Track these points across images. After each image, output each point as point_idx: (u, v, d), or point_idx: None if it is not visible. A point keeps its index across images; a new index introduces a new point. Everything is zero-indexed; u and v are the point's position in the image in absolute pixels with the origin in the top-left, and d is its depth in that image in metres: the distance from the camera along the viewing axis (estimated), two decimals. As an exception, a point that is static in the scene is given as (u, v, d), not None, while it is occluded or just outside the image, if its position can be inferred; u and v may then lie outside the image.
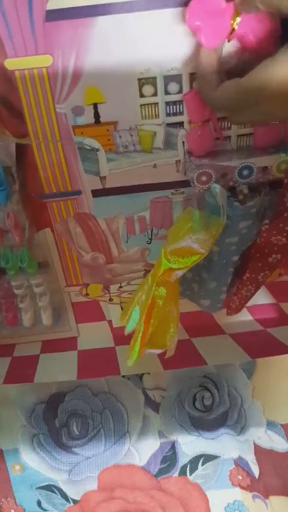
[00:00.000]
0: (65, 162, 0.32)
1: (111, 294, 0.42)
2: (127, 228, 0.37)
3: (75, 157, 0.33)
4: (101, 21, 0.27)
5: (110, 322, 0.44)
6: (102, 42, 0.27)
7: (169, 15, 0.27)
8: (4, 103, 0.29)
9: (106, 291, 0.42)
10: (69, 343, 0.44)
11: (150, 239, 0.38)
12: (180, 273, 0.32)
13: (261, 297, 0.44)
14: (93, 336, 0.43)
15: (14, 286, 0.39)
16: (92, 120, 0.30)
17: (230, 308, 0.41)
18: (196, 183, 0.31)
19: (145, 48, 0.28)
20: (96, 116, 0.30)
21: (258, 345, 0.41)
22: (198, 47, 0.26)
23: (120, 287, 0.42)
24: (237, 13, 0.25)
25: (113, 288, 0.42)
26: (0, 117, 0.29)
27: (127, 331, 0.36)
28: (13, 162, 0.32)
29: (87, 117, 0.30)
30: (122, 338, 0.41)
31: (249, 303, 0.43)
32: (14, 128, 0.30)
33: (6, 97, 0.29)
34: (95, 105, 0.30)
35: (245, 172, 0.30)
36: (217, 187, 0.30)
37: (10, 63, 0.27)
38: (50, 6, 0.26)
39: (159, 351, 0.37)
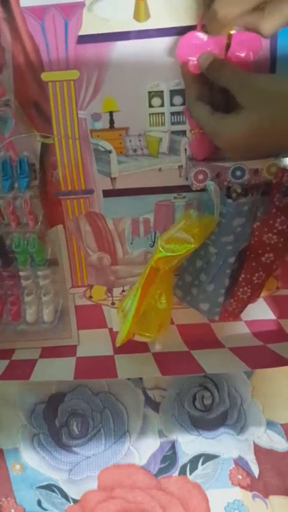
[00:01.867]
0: (81, 161, 0.39)
1: (113, 298, 0.45)
2: (132, 229, 0.42)
3: (90, 157, 0.39)
4: (120, 45, 0.35)
5: (110, 329, 0.46)
6: (119, 62, 0.35)
7: (174, 41, 0.34)
8: (35, 106, 0.37)
9: (109, 294, 0.45)
10: (68, 351, 0.45)
11: (153, 242, 0.43)
12: (173, 261, 0.36)
13: (260, 312, 0.46)
14: (93, 344, 0.45)
15: (22, 276, 0.43)
16: (107, 125, 0.38)
17: (227, 312, 0.43)
18: (194, 181, 0.36)
19: (155, 67, 0.36)
20: (111, 122, 0.37)
21: (258, 358, 0.42)
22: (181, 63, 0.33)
23: (123, 291, 0.45)
24: (229, 40, 0.33)
25: (116, 292, 0.45)
26: (30, 118, 0.37)
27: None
28: (37, 160, 0.38)
29: (104, 123, 0.38)
30: (121, 347, 0.43)
31: (248, 318, 0.46)
32: (40, 128, 0.38)
33: (38, 102, 0.37)
34: (111, 113, 0.37)
35: (238, 173, 0.36)
36: (212, 184, 0.35)
37: (45, 76, 0.36)
38: (81, 32, 0.35)
39: (147, 340, 0.41)
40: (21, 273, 0.43)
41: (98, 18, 0.34)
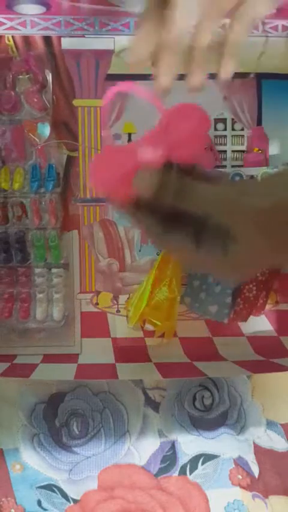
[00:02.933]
0: (101, 171, 0.52)
1: (119, 306, 0.50)
2: (141, 237, 0.51)
3: (109, 169, 0.52)
4: (140, 83, 0.48)
5: (113, 339, 0.50)
6: (137, 97, 0.50)
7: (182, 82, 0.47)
8: (66, 126, 0.50)
9: (115, 302, 0.51)
10: (70, 358, 0.50)
11: (160, 250, 0.49)
12: None
13: (260, 327, 0.51)
14: (94, 354, 0.50)
15: (37, 273, 0.50)
16: (126, 143, 0.50)
17: (236, 313, 0.48)
18: None
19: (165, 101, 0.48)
20: (129, 140, 0.50)
21: (259, 367, 0.48)
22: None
23: (128, 298, 0.50)
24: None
25: (121, 300, 0.51)
26: (60, 136, 0.50)
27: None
28: (62, 170, 0.50)
29: (123, 141, 0.51)
30: (123, 356, 0.49)
31: (250, 333, 0.52)
32: (67, 143, 0.50)
33: (68, 123, 0.50)
34: (129, 134, 0.50)
35: (237, 178, 0.47)
36: None
37: (77, 102, 0.50)
38: (110, 72, 0.49)
39: (156, 328, 0.47)
40: (36, 270, 0.51)
41: (123, 62, 0.48)
